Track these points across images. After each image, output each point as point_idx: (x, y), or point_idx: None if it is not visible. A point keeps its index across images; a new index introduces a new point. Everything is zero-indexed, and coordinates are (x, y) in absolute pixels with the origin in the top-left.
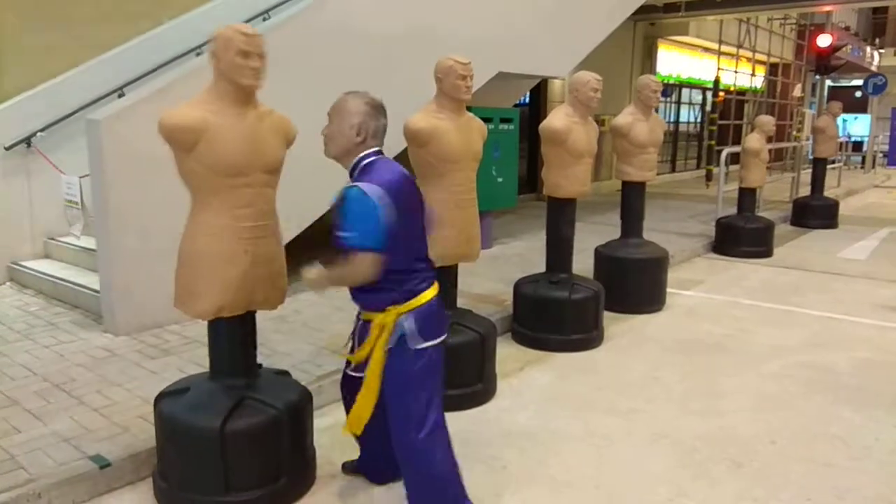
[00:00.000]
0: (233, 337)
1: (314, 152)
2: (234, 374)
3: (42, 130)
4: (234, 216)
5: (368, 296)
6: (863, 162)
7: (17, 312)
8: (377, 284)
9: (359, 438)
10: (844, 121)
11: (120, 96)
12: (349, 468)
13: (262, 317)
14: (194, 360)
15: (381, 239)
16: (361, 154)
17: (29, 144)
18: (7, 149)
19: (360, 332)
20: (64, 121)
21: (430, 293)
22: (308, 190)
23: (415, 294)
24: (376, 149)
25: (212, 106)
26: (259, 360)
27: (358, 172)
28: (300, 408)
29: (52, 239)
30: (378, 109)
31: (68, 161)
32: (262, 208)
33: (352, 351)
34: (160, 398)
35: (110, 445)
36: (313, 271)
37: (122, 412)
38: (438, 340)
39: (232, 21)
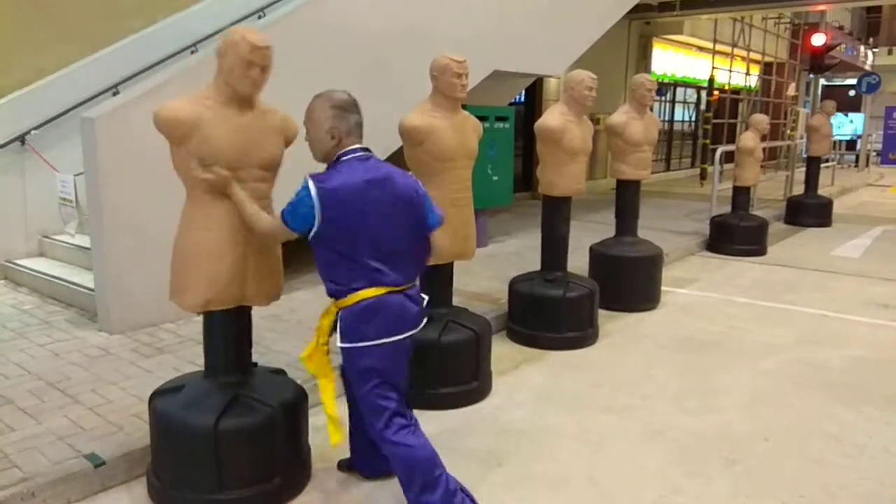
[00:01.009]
0: (227, 334)
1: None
2: (229, 372)
3: (36, 128)
4: (227, 210)
5: (326, 284)
6: (856, 161)
7: (11, 311)
8: (325, 274)
9: (350, 433)
10: (850, 120)
11: (114, 94)
12: (345, 466)
13: (257, 315)
14: (189, 358)
15: (299, 225)
16: (337, 154)
17: (23, 142)
18: (1, 146)
19: None
20: (58, 119)
21: (367, 293)
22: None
23: (351, 292)
24: (354, 147)
25: (208, 101)
26: (255, 358)
27: (327, 168)
28: (295, 406)
29: (47, 237)
30: (344, 107)
31: (63, 159)
32: (256, 203)
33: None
34: (154, 396)
35: (105, 444)
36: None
37: (117, 411)
38: (366, 343)
39: (225, 19)
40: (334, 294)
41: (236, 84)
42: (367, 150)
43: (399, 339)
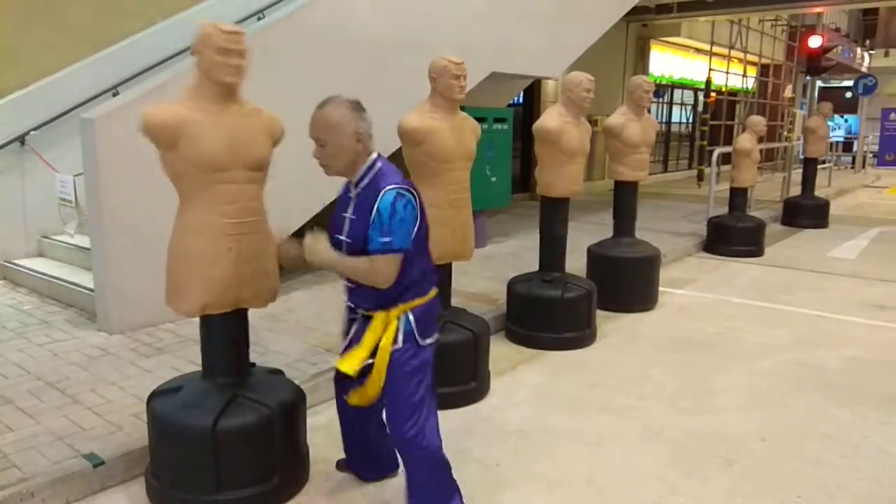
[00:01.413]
0: (225, 335)
1: (309, 152)
2: (227, 372)
3: (36, 129)
4: (218, 213)
5: (375, 293)
6: (853, 162)
7: (10, 311)
8: (400, 281)
9: (343, 438)
10: (846, 121)
11: (114, 95)
12: (343, 466)
13: (255, 315)
14: (189, 358)
15: (409, 241)
16: (371, 159)
17: (23, 143)
18: (1, 147)
19: (360, 328)
20: (58, 119)
21: (433, 293)
22: (305, 189)
23: (421, 294)
24: (376, 151)
25: (193, 103)
26: (253, 358)
27: (373, 177)
28: (293, 406)
29: (46, 237)
30: (360, 108)
31: (62, 159)
32: (247, 205)
33: (345, 350)
34: (152, 397)
35: (104, 444)
36: (320, 241)
37: (116, 411)
38: (434, 339)
39: (225, 20)
40: (395, 299)
41: (219, 76)
42: None
43: (437, 338)
